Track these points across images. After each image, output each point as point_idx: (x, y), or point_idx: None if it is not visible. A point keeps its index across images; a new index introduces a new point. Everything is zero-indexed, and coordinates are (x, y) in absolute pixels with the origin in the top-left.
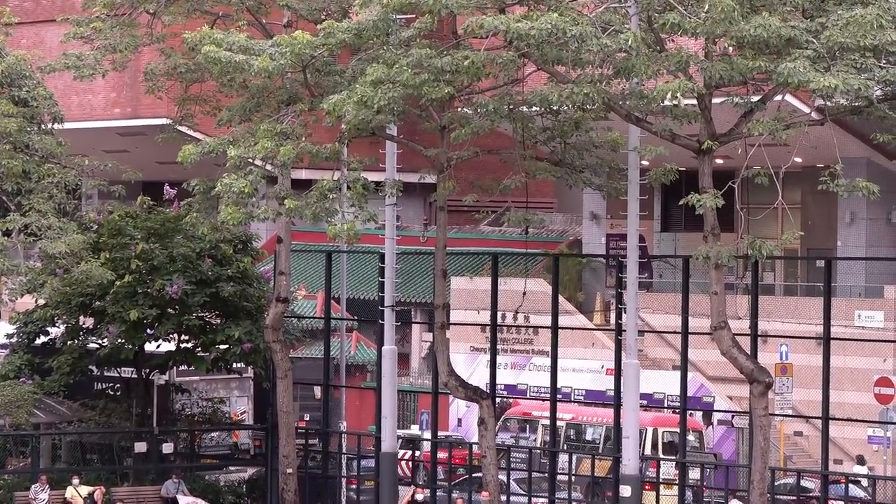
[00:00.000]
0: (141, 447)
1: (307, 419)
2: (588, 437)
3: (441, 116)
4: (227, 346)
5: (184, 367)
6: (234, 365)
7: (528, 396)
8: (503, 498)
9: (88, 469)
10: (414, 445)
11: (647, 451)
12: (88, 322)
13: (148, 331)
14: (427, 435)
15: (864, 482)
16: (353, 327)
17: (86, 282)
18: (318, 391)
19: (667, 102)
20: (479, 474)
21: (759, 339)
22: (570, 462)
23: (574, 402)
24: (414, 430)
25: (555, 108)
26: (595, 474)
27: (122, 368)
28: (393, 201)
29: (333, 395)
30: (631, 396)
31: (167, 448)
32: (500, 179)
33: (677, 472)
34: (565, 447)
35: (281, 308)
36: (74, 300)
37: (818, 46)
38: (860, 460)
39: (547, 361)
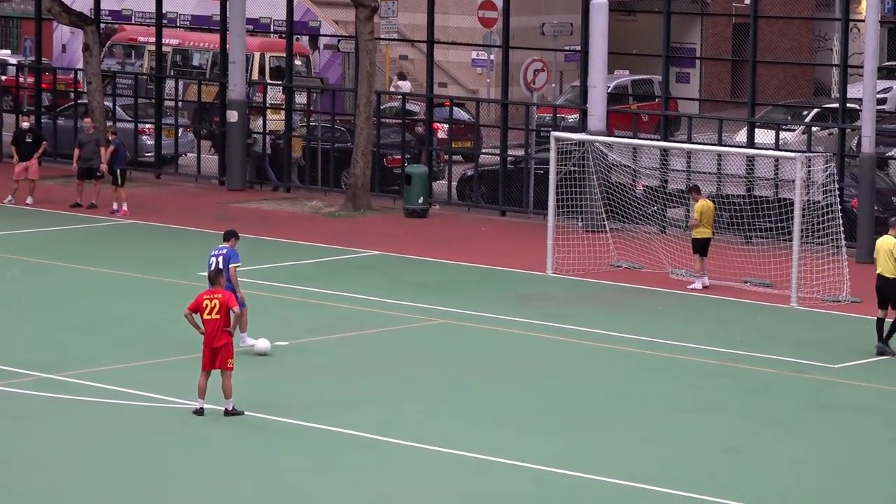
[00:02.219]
0: None
1: None
2: (195, 62)
3: None
4: None
5: None
6: None
7: (133, 22)
8: (109, 124)
9: None
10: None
11: (255, 76)
12: None
13: None
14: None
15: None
16: None
17: None
18: None
19: None
20: (85, 101)
21: None
22: (176, 88)
23: (180, 27)
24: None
25: None
26: (202, 100)
27: None
28: None
29: None
30: (237, 22)
31: None
32: None
33: (284, 96)
34: (172, 73)
35: None
36: None
37: None
38: (401, 75)
39: None
